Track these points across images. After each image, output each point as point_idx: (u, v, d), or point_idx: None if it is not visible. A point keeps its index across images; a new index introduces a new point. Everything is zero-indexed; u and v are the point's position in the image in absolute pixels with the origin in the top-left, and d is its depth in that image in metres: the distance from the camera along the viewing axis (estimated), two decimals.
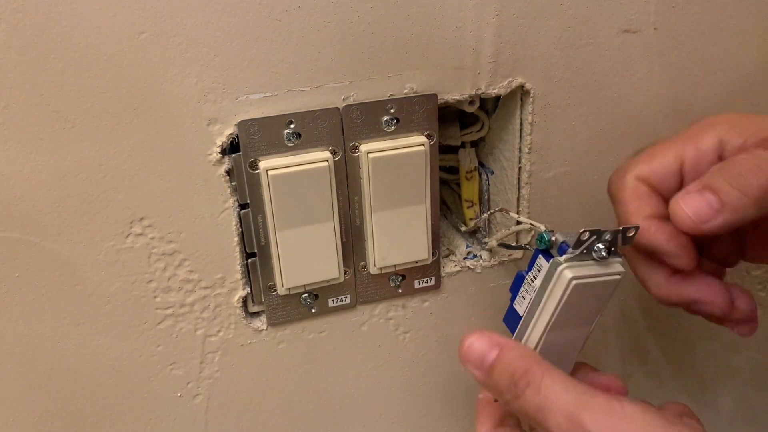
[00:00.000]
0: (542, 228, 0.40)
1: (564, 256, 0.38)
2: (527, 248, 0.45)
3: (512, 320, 0.41)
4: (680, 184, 0.39)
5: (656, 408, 0.35)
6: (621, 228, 0.38)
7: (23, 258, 0.39)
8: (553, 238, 0.38)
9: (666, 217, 0.38)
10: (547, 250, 0.39)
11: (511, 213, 0.45)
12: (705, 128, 0.39)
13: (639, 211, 0.39)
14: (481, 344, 0.37)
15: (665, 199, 0.39)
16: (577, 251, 0.37)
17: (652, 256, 0.40)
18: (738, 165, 0.36)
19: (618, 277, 0.38)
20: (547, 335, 0.39)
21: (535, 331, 0.39)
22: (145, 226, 0.40)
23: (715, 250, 0.43)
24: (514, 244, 0.48)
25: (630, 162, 0.41)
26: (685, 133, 0.40)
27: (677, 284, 0.40)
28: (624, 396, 0.36)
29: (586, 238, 0.37)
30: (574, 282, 0.37)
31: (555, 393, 0.34)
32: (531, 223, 0.42)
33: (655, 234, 0.38)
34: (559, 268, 0.37)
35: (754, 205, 0.35)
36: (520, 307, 0.40)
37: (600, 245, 0.37)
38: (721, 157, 0.38)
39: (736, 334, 0.41)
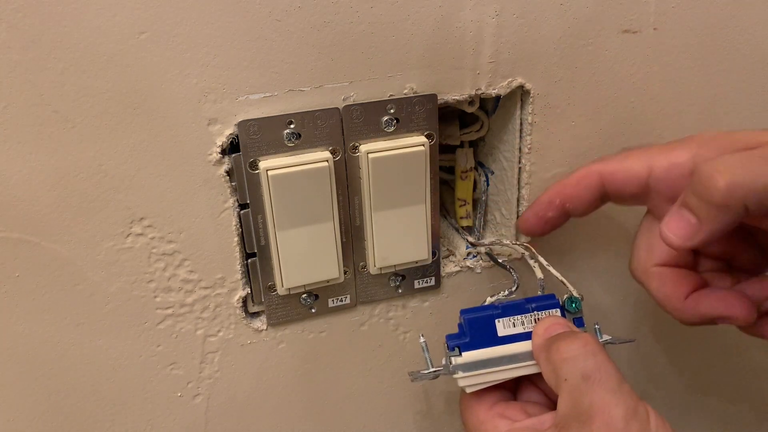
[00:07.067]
0: (575, 293, 0.42)
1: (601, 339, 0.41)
2: (510, 270, 0.46)
3: (480, 330, 0.41)
4: (642, 191, 0.41)
5: None
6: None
7: (23, 258, 0.39)
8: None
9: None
10: (570, 312, 0.41)
11: (539, 258, 0.44)
12: (681, 143, 0.40)
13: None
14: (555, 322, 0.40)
15: (615, 197, 0.42)
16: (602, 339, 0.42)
17: (666, 281, 0.41)
18: (698, 174, 0.36)
19: None
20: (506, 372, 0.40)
21: (506, 361, 0.40)
22: (145, 226, 0.40)
23: (737, 260, 0.43)
24: (505, 258, 0.48)
25: (605, 157, 0.42)
26: (660, 146, 0.41)
27: (694, 304, 0.41)
28: None
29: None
30: None
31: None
32: (563, 281, 0.42)
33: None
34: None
35: (723, 211, 0.35)
36: (504, 329, 0.40)
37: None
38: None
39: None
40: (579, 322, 0.42)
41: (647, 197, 0.41)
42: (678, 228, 0.36)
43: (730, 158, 0.35)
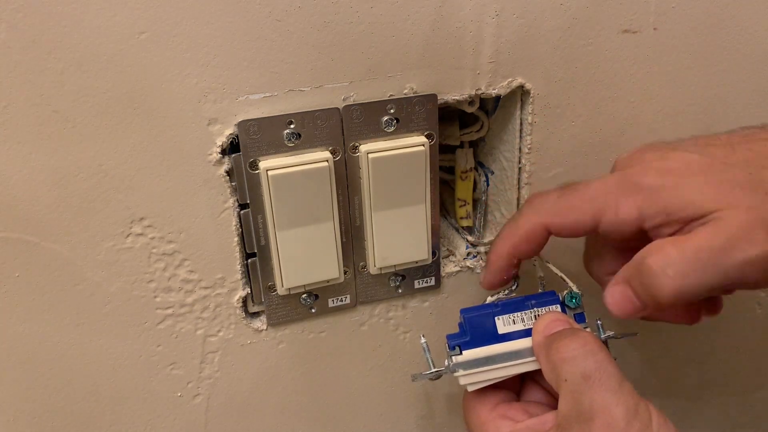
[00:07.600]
0: (575, 288, 0.42)
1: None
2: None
3: (481, 328, 0.41)
4: (590, 233, 0.40)
5: None
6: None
7: (23, 258, 0.39)
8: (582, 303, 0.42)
9: None
10: (570, 307, 0.42)
11: (539, 255, 0.44)
12: (626, 191, 0.38)
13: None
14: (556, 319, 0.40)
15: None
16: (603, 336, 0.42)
17: None
18: (647, 269, 0.36)
19: None
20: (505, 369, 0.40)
21: (507, 358, 0.40)
22: (145, 226, 0.40)
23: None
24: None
25: (546, 205, 0.40)
26: (603, 188, 0.39)
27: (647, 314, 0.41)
28: None
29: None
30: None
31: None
32: (562, 277, 0.43)
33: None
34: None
35: (673, 303, 0.36)
36: (504, 327, 0.41)
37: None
38: (641, 228, 0.37)
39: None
40: (580, 318, 0.41)
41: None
42: (621, 303, 0.37)
43: (679, 258, 0.35)
